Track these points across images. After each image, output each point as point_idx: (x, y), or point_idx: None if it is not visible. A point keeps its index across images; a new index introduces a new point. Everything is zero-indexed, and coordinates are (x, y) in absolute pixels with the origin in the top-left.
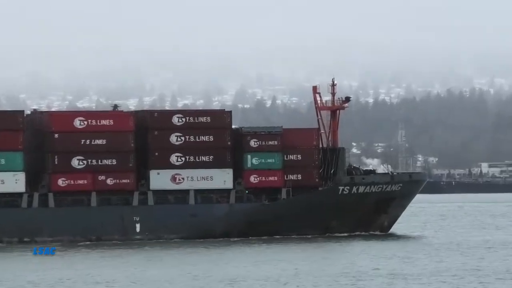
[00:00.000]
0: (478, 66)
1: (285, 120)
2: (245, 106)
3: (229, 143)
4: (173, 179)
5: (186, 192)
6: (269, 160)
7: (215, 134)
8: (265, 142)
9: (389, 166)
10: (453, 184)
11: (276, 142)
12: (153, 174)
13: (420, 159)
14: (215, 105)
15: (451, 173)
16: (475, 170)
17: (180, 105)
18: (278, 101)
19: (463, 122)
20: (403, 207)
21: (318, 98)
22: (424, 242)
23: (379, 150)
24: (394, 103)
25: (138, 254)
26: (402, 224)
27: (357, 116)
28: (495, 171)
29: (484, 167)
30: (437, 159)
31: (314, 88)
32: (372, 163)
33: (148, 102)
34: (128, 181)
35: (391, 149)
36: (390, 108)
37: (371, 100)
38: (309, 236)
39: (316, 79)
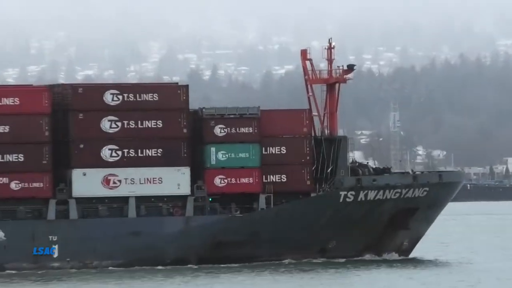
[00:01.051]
0: (503, 22)
1: (230, 98)
2: (173, 78)
3: (185, 130)
4: (106, 182)
5: (124, 200)
6: (241, 155)
7: (165, 118)
8: (236, 130)
9: (376, 162)
10: (468, 188)
11: (251, 129)
12: (77, 175)
13: (421, 152)
14: (131, 76)
15: (466, 172)
16: (499, 169)
17: (80, 76)
18: (221, 71)
19: (481, 100)
20: (429, 221)
21: (309, 67)
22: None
23: (362, 140)
24: (384, 74)
25: None
26: (423, 245)
27: None
28: None
29: None
30: (445, 153)
31: (303, 53)
32: (353, 158)
33: (34, 72)
34: (41, 185)
35: (380, 139)
36: (379, 81)
37: None
38: (286, 262)
39: (274, 40)
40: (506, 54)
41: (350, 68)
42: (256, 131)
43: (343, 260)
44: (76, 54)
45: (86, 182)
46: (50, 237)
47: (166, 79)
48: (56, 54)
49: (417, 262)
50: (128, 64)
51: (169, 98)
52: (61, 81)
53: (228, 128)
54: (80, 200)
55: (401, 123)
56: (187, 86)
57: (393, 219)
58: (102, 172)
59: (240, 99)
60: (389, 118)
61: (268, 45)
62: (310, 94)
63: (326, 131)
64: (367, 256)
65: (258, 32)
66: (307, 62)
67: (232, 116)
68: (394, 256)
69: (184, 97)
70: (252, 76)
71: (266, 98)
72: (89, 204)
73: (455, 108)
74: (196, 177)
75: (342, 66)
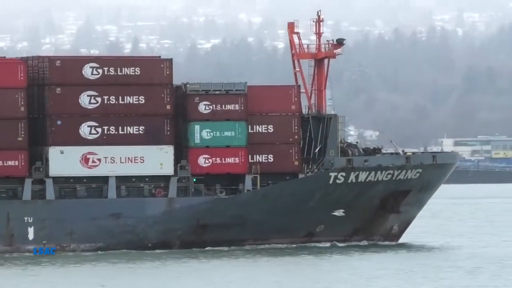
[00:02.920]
0: None
1: None
2: (92, 51)
3: (168, 107)
4: (85, 160)
5: (103, 180)
6: (227, 134)
7: (147, 93)
8: (222, 107)
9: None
10: None
11: (237, 107)
12: (54, 154)
13: (352, 132)
14: (46, 49)
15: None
16: (434, 150)
17: None
18: (142, 45)
19: (417, 78)
20: (420, 205)
21: (297, 41)
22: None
23: None
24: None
25: None
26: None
27: (259, 65)
28: (464, 151)
29: (447, 145)
30: (377, 133)
31: (291, 26)
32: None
33: None
34: (16, 163)
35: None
36: None
37: (281, 45)
38: (271, 246)
39: (199, 11)
40: (443, 29)
41: (340, 42)
42: (242, 108)
43: (339, 244)
44: None
45: (63, 161)
46: (26, 218)
47: (83, 52)
48: None
49: (409, 247)
50: (43, 36)
51: (151, 72)
52: None
53: (213, 105)
54: (57, 180)
55: (332, 101)
56: (170, 60)
57: (384, 202)
58: (80, 150)
59: None
60: None
61: (193, 17)
62: (297, 69)
63: (314, 109)
64: (356, 241)
65: (182, 3)
66: (294, 36)
67: (217, 92)
68: (382, 241)
69: (168, 72)
70: (176, 50)
71: (192, 75)
72: (66, 184)
73: (389, 86)
74: (179, 157)
75: (332, 40)
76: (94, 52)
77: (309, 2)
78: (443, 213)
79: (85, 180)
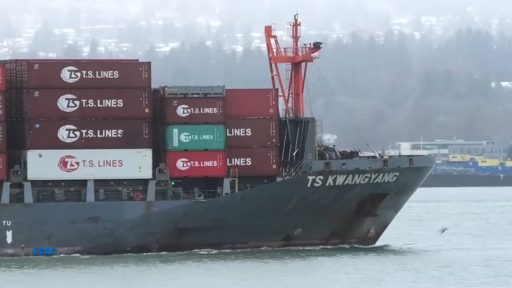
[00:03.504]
0: None
1: None
2: (50, 54)
3: (147, 110)
4: (63, 164)
5: (82, 183)
6: (205, 137)
7: (126, 97)
8: (200, 110)
9: None
10: None
11: (216, 110)
12: (32, 157)
13: None
14: (3, 52)
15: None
16: (392, 154)
17: None
18: (101, 48)
19: (374, 81)
20: (397, 208)
21: (274, 45)
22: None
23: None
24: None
25: None
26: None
27: (218, 69)
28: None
29: (405, 149)
30: (336, 137)
31: (268, 30)
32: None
33: None
34: None
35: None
36: (266, 60)
37: (239, 48)
38: (248, 250)
39: (157, 15)
40: (400, 33)
41: (317, 46)
42: (220, 111)
43: (316, 248)
44: None
45: (42, 164)
46: (4, 221)
47: (41, 55)
48: None
49: (386, 251)
50: (1, 39)
51: (130, 75)
52: None
53: (192, 109)
54: (36, 183)
55: (291, 105)
56: (149, 63)
57: (361, 205)
58: (58, 153)
59: None
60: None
61: (151, 21)
62: (274, 73)
63: (291, 113)
64: (333, 244)
65: (140, 6)
66: (272, 40)
67: (195, 95)
68: (358, 245)
69: (146, 75)
70: (134, 53)
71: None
72: (45, 188)
73: (347, 90)
74: (157, 160)
75: (310, 44)
76: (52, 55)
77: (268, 6)
78: (400, 217)
79: (63, 184)
